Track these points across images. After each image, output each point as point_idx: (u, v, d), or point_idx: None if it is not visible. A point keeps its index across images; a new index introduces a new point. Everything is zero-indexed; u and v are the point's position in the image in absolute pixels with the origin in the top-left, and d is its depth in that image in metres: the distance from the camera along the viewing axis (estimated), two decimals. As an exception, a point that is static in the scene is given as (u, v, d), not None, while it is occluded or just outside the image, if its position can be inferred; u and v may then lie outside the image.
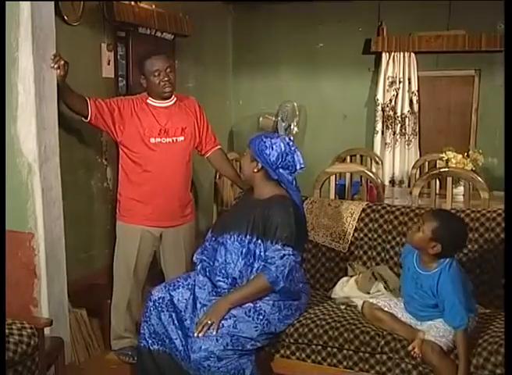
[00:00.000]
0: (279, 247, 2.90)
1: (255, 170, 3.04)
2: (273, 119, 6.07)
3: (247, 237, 2.99)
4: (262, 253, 2.95)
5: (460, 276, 2.81)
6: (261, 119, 6.15)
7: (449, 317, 2.75)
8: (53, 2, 3.17)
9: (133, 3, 4.28)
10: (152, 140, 3.52)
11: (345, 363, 2.93)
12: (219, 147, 3.84)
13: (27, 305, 3.19)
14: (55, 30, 3.18)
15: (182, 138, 3.60)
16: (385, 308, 2.98)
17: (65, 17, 3.66)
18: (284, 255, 2.89)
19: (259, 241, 2.96)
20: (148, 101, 3.58)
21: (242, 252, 2.99)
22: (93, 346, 3.75)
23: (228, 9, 6.26)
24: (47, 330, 2.97)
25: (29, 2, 2.96)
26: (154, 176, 3.54)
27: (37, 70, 3.04)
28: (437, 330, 2.77)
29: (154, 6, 4.52)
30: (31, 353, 2.76)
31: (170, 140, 3.56)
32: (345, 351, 2.92)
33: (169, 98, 3.60)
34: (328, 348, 2.94)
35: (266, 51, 6.25)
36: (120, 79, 4.34)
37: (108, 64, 4.16)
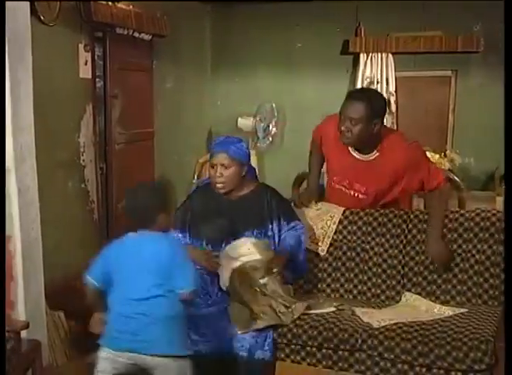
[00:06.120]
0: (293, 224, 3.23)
1: (243, 174, 3.16)
2: (251, 119, 6.08)
3: (268, 227, 3.21)
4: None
5: None
6: (239, 119, 6.15)
7: None
8: (28, 2, 3.14)
9: (110, 3, 4.26)
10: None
11: (324, 363, 2.93)
12: None
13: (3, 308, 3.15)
14: (31, 30, 3.14)
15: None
16: None
17: (42, 17, 3.63)
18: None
19: (275, 225, 3.22)
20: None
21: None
22: (71, 349, 3.72)
23: (206, 10, 6.26)
24: (23, 333, 2.94)
25: (3, 1, 2.92)
26: None
27: (13, 71, 3.00)
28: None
29: (131, 6, 4.51)
30: (7, 356, 2.72)
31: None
32: (324, 350, 2.93)
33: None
34: (307, 348, 2.94)
35: (244, 51, 6.26)
36: (98, 79, 4.32)
37: (86, 64, 4.14)
